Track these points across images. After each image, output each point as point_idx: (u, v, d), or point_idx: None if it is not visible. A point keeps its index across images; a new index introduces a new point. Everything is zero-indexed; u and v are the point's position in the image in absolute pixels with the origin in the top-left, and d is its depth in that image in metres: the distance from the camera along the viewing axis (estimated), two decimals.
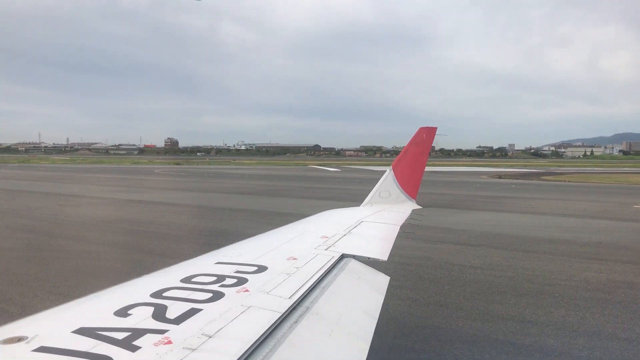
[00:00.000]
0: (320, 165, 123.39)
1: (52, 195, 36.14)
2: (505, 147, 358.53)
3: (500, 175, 72.89)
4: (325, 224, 7.01)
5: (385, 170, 10.30)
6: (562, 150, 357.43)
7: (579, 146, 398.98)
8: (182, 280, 3.49)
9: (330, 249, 5.01)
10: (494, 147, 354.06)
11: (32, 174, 65.75)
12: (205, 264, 4.11)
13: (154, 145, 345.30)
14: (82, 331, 2.44)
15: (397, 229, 7.04)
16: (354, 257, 4.81)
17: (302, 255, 4.57)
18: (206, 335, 2.50)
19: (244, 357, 2.34)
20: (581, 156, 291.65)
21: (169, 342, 2.37)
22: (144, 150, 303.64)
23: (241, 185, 48.78)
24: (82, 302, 3.05)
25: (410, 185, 10.05)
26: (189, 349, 2.33)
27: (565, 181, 60.58)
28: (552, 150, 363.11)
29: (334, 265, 4.36)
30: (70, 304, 2.98)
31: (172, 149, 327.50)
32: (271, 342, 2.59)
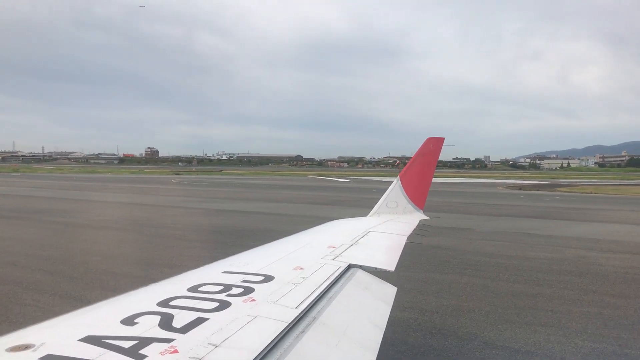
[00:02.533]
0: (320, 175, 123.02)
1: (144, 206, 35.95)
2: (481, 159, 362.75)
3: (520, 187, 72.51)
4: (332, 233, 6.99)
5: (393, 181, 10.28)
6: (539, 162, 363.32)
7: (553, 158, 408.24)
8: (189, 289, 3.49)
9: (337, 259, 4.98)
10: (471, 159, 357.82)
11: (61, 184, 65.87)
12: (212, 273, 4.11)
13: (134, 155, 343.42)
14: (89, 339, 2.44)
15: (405, 239, 7.01)
16: (361, 267, 4.79)
17: (309, 265, 4.55)
18: (212, 345, 2.49)
19: None
20: (558, 168, 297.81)
21: (175, 352, 2.36)
22: (124, 160, 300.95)
23: (294, 196, 48.81)
24: (89, 310, 3.05)
25: (418, 195, 10.01)
26: (195, 358, 2.32)
27: (591, 192, 60.57)
28: (529, 162, 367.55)
29: (341, 276, 4.34)
30: (77, 312, 2.98)
31: (152, 158, 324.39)
32: (277, 352, 2.58)
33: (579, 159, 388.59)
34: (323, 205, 38.55)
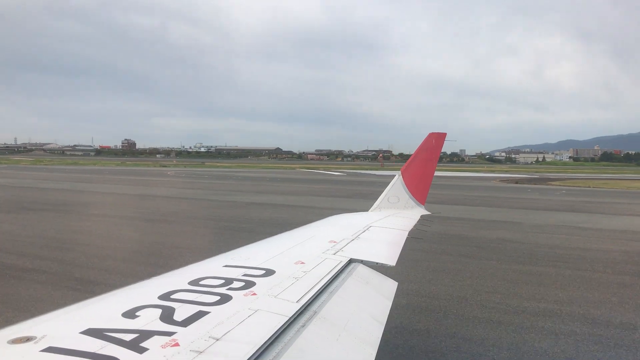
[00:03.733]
0: (308, 168, 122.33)
1: (175, 199, 35.64)
2: (457, 153, 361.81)
3: (516, 181, 73.64)
4: (334, 228, 7.00)
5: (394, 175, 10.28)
6: (514, 156, 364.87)
7: (528, 152, 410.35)
8: (190, 283, 3.49)
9: (338, 253, 4.99)
10: (448, 153, 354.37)
11: (61, 175, 65.53)
12: (213, 267, 4.11)
13: (110, 147, 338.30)
14: (90, 332, 2.45)
15: (406, 234, 7.01)
16: (361, 262, 4.79)
17: (310, 260, 4.56)
18: (213, 338, 2.50)
19: None
20: (533, 162, 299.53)
21: (176, 345, 2.37)
22: (101, 152, 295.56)
23: (308, 189, 48.69)
24: (91, 303, 3.06)
25: (419, 190, 10.00)
26: (196, 351, 2.32)
27: (589, 187, 61.31)
28: (505, 156, 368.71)
29: (342, 270, 4.35)
30: (79, 304, 2.99)
31: (130, 150, 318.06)
32: (278, 346, 2.58)
33: (552, 153, 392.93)
34: (345, 198, 38.68)
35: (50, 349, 2.23)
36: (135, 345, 2.32)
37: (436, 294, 11.82)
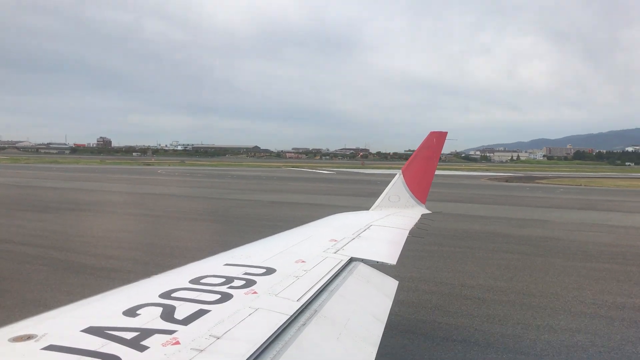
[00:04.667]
0: (293, 167, 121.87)
1: (192, 198, 35.38)
2: None
3: (507, 179, 75.15)
4: (334, 227, 7.00)
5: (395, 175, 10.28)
6: (489, 154, 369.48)
7: (502, 151, 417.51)
8: (191, 281, 3.50)
9: (338, 252, 4.99)
10: None
11: (52, 174, 65.40)
12: (213, 265, 4.12)
13: (85, 145, 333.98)
14: (91, 330, 2.45)
15: (406, 233, 7.01)
16: (362, 260, 4.79)
17: (311, 258, 4.56)
18: (214, 337, 2.50)
19: (251, 359, 2.33)
20: (508, 160, 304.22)
21: (177, 343, 2.37)
22: (76, 150, 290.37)
23: (312, 188, 48.69)
24: (91, 301, 3.06)
25: (420, 189, 10.00)
26: (197, 350, 2.32)
27: (581, 185, 62.24)
28: (480, 154, 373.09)
29: (343, 269, 4.35)
30: (80, 303, 2.99)
31: (105, 148, 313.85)
32: (279, 345, 2.58)
33: (526, 152, 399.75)
34: (365, 197, 38.62)
35: (51, 347, 2.23)
36: (136, 344, 2.32)
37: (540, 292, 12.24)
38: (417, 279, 12.89)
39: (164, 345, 2.34)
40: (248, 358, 2.32)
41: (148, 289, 3.36)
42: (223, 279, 3.59)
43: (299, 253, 4.80)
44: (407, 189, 9.86)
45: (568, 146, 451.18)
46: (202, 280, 3.54)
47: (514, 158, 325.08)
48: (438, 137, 10.14)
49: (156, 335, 2.44)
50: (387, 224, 7.58)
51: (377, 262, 4.89)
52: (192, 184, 51.04)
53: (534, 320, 9.91)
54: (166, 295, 3.13)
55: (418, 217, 8.76)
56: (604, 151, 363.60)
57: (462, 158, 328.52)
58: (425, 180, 10.18)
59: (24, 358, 2.15)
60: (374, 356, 2.81)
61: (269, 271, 3.96)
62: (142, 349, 2.28)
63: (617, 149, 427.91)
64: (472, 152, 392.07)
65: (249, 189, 45.08)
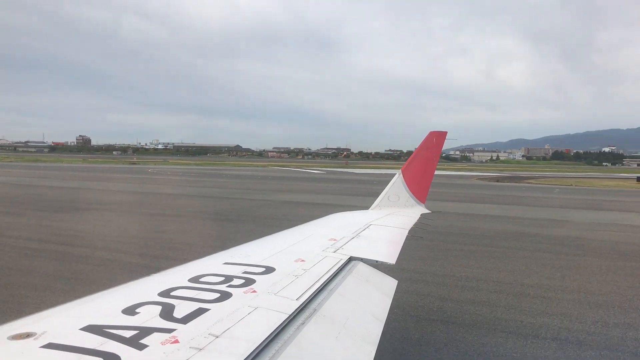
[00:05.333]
0: (279, 166, 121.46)
1: (212, 198, 34.86)
2: (412, 151, 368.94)
3: (497, 179, 76.42)
4: (334, 226, 7.00)
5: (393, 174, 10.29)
6: (469, 154, 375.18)
7: (481, 151, 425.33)
8: (190, 280, 3.50)
9: (338, 251, 4.99)
10: (404, 151, 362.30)
11: (52, 174, 65.26)
12: (213, 264, 4.12)
13: (64, 143, 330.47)
14: (90, 329, 2.45)
15: (406, 232, 7.01)
16: (361, 260, 4.79)
17: (310, 257, 4.56)
18: (213, 335, 2.50)
19: (250, 358, 2.33)
20: (488, 160, 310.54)
21: (176, 342, 2.37)
22: (55, 148, 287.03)
23: (319, 188, 48.43)
24: (91, 299, 3.06)
25: (420, 189, 10.00)
26: (196, 348, 2.32)
27: (572, 185, 63.16)
28: (460, 154, 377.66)
29: (342, 268, 4.35)
30: (79, 301, 2.99)
31: (85, 147, 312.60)
32: (278, 343, 2.58)
33: (505, 152, 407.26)
34: (366, 197, 38.81)
35: (50, 345, 2.23)
36: (135, 342, 2.32)
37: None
38: (475, 279, 13.23)
39: (163, 343, 2.34)
40: (247, 357, 2.32)
41: (147, 287, 3.36)
42: (222, 278, 3.59)
43: (299, 252, 4.80)
44: (407, 188, 9.86)
45: (546, 146, 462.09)
46: (202, 279, 3.54)
47: (494, 158, 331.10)
48: (438, 137, 10.13)
49: (155, 334, 2.44)
50: (386, 223, 7.58)
51: (377, 261, 4.90)
52: (194, 184, 50.86)
53: (609, 318, 10.16)
54: (165, 293, 3.13)
55: (418, 216, 8.76)
56: (582, 151, 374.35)
57: (443, 158, 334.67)
58: (425, 180, 10.18)
59: (23, 356, 2.15)
60: (373, 355, 2.82)
61: (268, 270, 3.96)
62: (141, 347, 2.28)
63: (593, 149, 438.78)
64: (452, 152, 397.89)
65: (255, 189, 44.99)
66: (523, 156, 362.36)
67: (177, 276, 3.66)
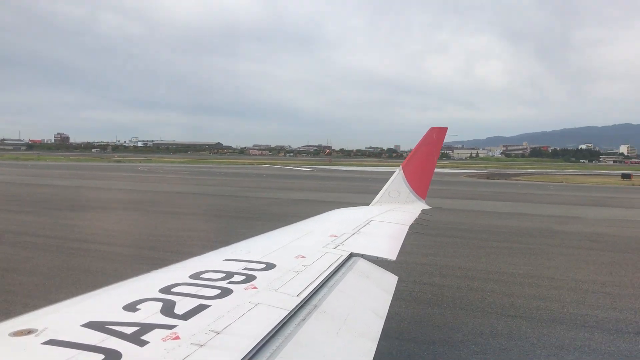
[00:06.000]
0: (266, 164, 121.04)
1: (249, 198, 34.42)
2: (392, 148, 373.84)
3: (487, 176, 77.37)
4: (334, 223, 7.00)
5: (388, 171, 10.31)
6: (449, 151, 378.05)
7: (460, 148, 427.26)
8: (191, 277, 3.50)
9: (338, 247, 4.99)
10: (384, 148, 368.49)
11: (48, 172, 65.36)
12: (213, 261, 4.12)
13: (42, 141, 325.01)
14: (91, 325, 2.46)
15: (406, 228, 7.00)
16: (362, 256, 4.80)
17: (311, 254, 4.56)
18: (214, 332, 2.50)
19: (251, 354, 2.34)
20: (467, 157, 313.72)
21: (177, 338, 2.38)
22: (33, 146, 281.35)
23: (322, 185, 48.22)
24: (92, 296, 3.06)
25: (420, 185, 9.99)
26: (197, 344, 2.33)
27: (563, 182, 64.12)
28: (440, 152, 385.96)
29: (342, 264, 4.35)
30: (80, 298, 3.00)
31: (63, 144, 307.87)
32: (279, 340, 2.59)
33: (483, 149, 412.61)
34: (375, 194, 38.96)
35: (52, 342, 2.23)
36: (136, 338, 2.33)
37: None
38: (527, 275, 13.55)
39: (164, 340, 2.34)
40: (248, 353, 2.32)
41: (148, 284, 3.37)
42: (223, 274, 3.60)
43: (299, 248, 4.80)
44: (407, 184, 9.86)
45: (524, 144, 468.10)
46: (202, 276, 3.54)
47: (473, 155, 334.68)
48: (438, 133, 10.12)
49: (156, 330, 2.44)
50: (387, 219, 7.58)
51: (377, 257, 4.90)
52: (196, 182, 50.64)
53: None
54: (166, 290, 3.13)
55: (418, 212, 8.76)
56: (559, 149, 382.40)
57: None
58: (426, 176, 10.17)
59: (24, 352, 2.16)
60: (374, 351, 2.82)
61: (269, 266, 3.96)
62: (142, 343, 2.28)
63: (570, 146, 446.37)
64: None
65: (260, 187, 44.85)
66: (502, 153, 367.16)
67: (177, 273, 3.67)
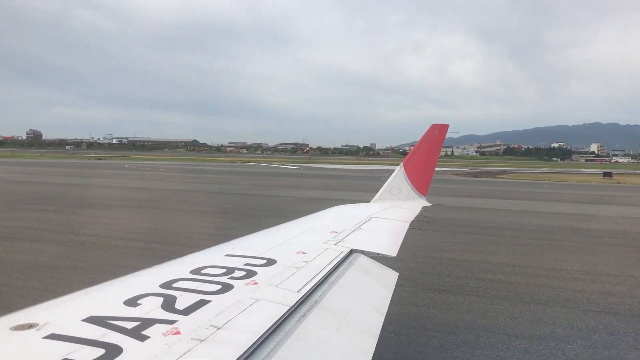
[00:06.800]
0: (249, 161, 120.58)
1: (262, 197, 34.38)
2: (368, 146, 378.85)
3: (474, 174, 78.86)
4: (335, 219, 7.00)
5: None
6: None
7: None
8: (192, 272, 3.50)
9: (339, 244, 4.99)
10: (361, 146, 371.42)
11: (46, 170, 65.00)
12: (214, 256, 4.12)
13: (12, 137, 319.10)
14: (92, 320, 2.46)
15: (407, 225, 7.01)
16: (363, 252, 4.80)
17: (311, 250, 4.57)
18: (215, 327, 2.51)
19: (252, 349, 2.34)
20: (443, 156, 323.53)
21: (178, 333, 2.38)
22: (4, 143, 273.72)
23: (334, 184, 48.32)
24: (93, 291, 3.07)
25: (421, 182, 9.99)
26: (198, 339, 2.33)
27: (549, 180, 65.42)
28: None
29: (343, 260, 4.35)
30: (81, 292, 3.00)
31: (36, 141, 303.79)
32: (279, 335, 2.59)
33: (458, 147, 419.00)
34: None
35: (53, 336, 2.24)
36: (136, 333, 2.33)
37: None
38: (579, 271, 14.01)
39: (164, 335, 2.35)
40: (248, 348, 2.33)
41: (149, 279, 3.37)
42: (224, 270, 3.60)
43: (300, 244, 4.80)
44: (408, 181, 9.85)
45: (497, 142, 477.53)
46: (203, 271, 3.55)
47: (449, 153, 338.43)
48: (440, 130, 10.10)
49: (157, 325, 2.45)
50: (387, 216, 7.58)
51: (378, 254, 4.90)
52: (197, 180, 50.42)
53: None
54: (167, 285, 3.14)
55: (419, 209, 8.76)
56: (532, 147, 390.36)
57: (400, 153, 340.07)
58: (427, 173, 10.16)
59: (25, 347, 2.16)
60: (374, 347, 2.83)
61: (270, 262, 3.97)
62: (143, 338, 2.29)
63: (542, 144, 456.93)
64: (407, 147, 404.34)
65: (262, 185, 44.77)
66: (476, 152, 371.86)
67: (178, 268, 3.67)
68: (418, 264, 14.51)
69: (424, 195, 9.98)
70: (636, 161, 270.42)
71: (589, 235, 20.43)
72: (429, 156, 10.13)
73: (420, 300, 11.29)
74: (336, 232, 5.59)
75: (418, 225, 7.80)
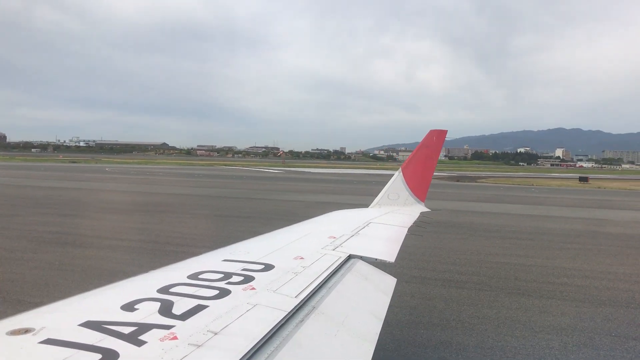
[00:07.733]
0: (226, 165, 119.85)
1: (270, 201, 34.42)
2: (339, 150, 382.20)
3: (457, 179, 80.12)
4: (333, 224, 6.99)
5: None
6: (394, 154, 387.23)
7: (404, 150, 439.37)
8: (189, 277, 3.49)
9: (337, 249, 4.99)
10: (331, 150, 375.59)
11: (45, 174, 64.58)
12: (212, 261, 4.11)
13: None
14: (89, 324, 2.45)
15: (405, 231, 7.00)
16: (361, 258, 4.79)
17: (309, 255, 4.56)
18: (212, 332, 2.50)
19: (249, 355, 2.33)
20: None
21: (175, 338, 2.37)
22: None
23: (330, 188, 48.33)
24: (89, 295, 3.06)
25: (420, 187, 9.99)
26: (195, 345, 2.32)
27: (533, 185, 66.46)
28: (386, 154, 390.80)
29: (341, 266, 4.34)
30: (77, 297, 2.99)
31: (0, 144, 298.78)
32: (276, 341, 2.58)
33: None
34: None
35: (49, 341, 2.23)
36: (133, 338, 2.32)
37: None
38: (629, 274, 14.33)
39: (161, 340, 2.34)
40: (245, 354, 2.32)
41: (146, 283, 3.36)
42: (221, 275, 3.59)
43: (298, 249, 4.80)
44: (407, 187, 9.86)
45: (465, 147, 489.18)
46: (201, 276, 3.54)
47: None
48: (438, 135, 10.11)
49: (154, 330, 2.44)
50: (386, 221, 7.58)
51: (376, 259, 4.89)
52: (193, 185, 50.10)
53: None
54: (164, 290, 3.13)
55: (417, 215, 8.76)
56: (499, 152, 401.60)
57: (371, 157, 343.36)
58: (425, 178, 10.16)
59: (21, 351, 2.15)
60: (372, 353, 2.82)
61: (268, 267, 3.96)
62: (140, 343, 2.28)
63: (507, 149, 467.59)
64: (376, 151, 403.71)
65: (263, 189, 44.71)
66: (445, 156, 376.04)
67: (176, 273, 3.66)
68: (483, 269, 14.97)
69: (423, 200, 9.97)
70: (599, 166, 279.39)
71: (614, 239, 20.81)
72: (427, 162, 10.13)
73: (501, 303, 11.71)
74: (334, 238, 5.58)
75: (416, 231, 7.80)
